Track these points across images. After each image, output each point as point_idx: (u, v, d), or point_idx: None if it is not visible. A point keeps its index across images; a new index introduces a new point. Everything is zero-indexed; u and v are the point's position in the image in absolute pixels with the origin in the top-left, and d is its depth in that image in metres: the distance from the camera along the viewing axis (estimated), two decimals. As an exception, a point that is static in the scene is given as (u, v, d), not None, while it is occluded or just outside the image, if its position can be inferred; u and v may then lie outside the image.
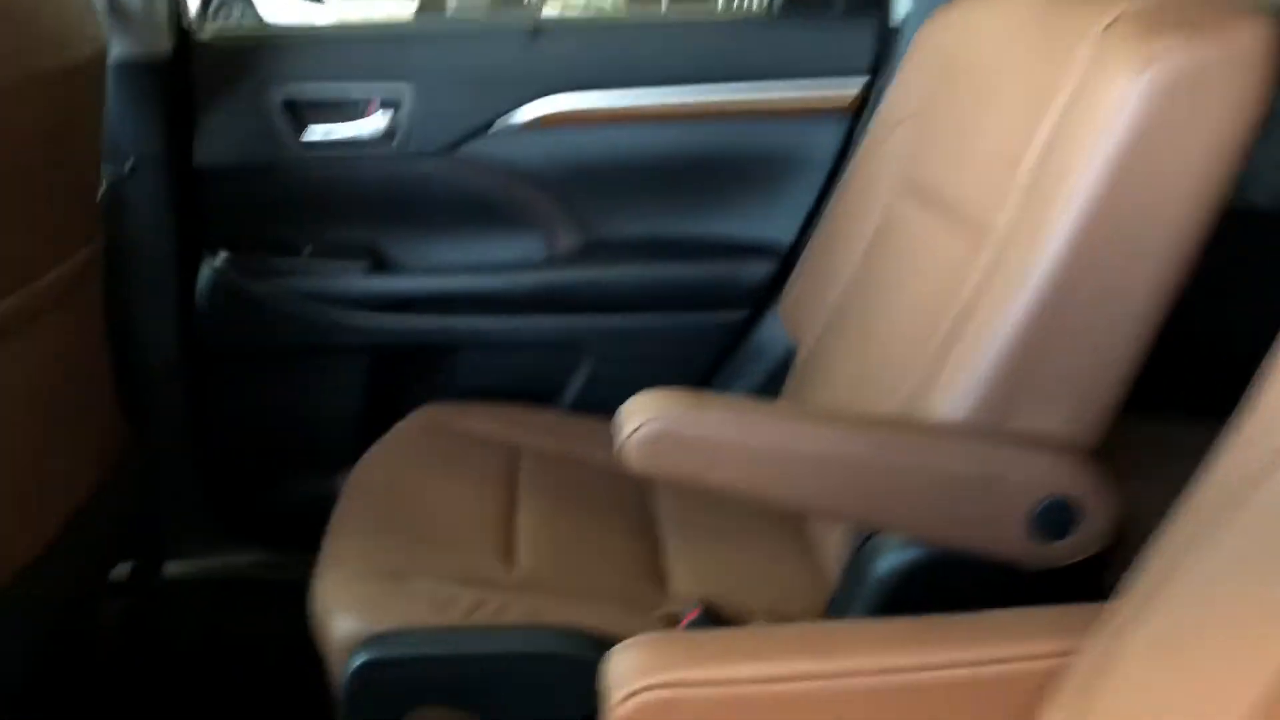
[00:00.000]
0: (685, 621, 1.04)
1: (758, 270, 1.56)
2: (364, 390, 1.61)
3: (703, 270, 1.57)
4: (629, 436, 0.90)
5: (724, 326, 1.57)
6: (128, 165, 1.46)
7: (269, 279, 1.54)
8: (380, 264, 1.59)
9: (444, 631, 1.01)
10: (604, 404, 1.66)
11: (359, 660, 0.99)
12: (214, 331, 1.55)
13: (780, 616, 1.08)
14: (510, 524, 1.22)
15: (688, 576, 1.16)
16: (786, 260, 1.54)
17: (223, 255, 1.53)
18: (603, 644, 1.01)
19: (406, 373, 1.63)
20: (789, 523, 1.25)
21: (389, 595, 1.07)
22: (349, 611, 1.05)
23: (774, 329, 1.52)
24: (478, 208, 1.59)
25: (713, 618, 1.05)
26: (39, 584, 1.18)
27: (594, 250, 1.59)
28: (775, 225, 1.57)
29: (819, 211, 1.51)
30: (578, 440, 1.45)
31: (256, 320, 1.54)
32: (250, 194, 1.56)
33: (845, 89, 1.52)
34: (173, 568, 1.64)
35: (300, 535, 1.62)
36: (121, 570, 1.60)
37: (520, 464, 1.37)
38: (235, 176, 1.55)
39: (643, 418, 0.89)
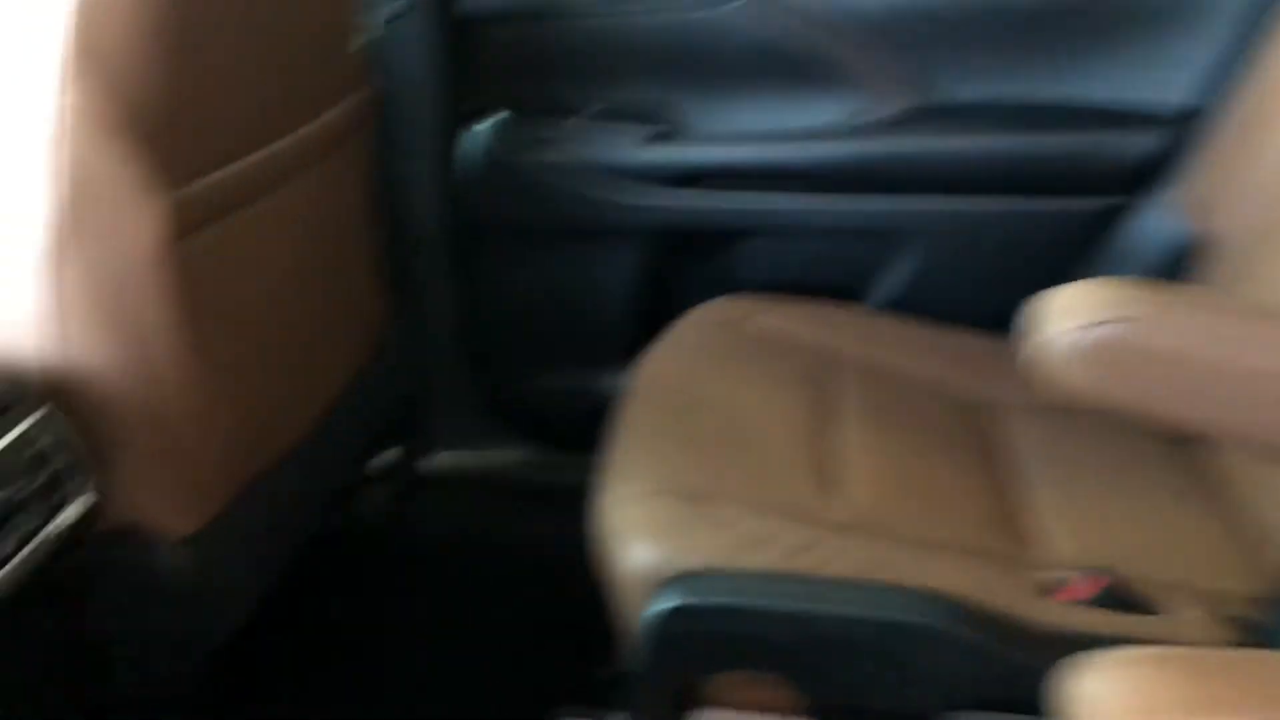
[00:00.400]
0: (1086, 593, 0.79)
1: (1140, 144, 1.23)
2: (643, 278, 1.41)
3: (1067, 143, 1.25)
4: (1064, 341, 0.63)
5: (1089, 215, 1.25)
6: (392, 10, 1.29)
7: (541, 146, 1.35)
8: (667, 132, 1.36)
9: (773, 579, 0.80)
10: (927, 306, 1.41)
11: (669, 603, 0.79)
12: (478, 203, 1.39)
13: (1211, 600, 0.80)
14: (825, 445, 0.99)
15: (1065, 534, 0.90)
16: (1180, 132, 1.20)
17: (491, 117, 1.35)
18: (977, 617, 0.78)
19: (693, 259, 1.41)
20: (1200, 477, 0.95)
21: (693, 523, 0.87)
22: (649, 538, 0.86)
23: (1158, 220, 1.19)
24: (784, 63, 1.33)
25: (1120, 595, 0.79)
26: (305, 467, 1.07)
27: (925, 116, 1.30)
28: (1166, 86, 1.23)
29: (1233, 69, 1.15)
30: (901, 348, 1.20)
31: (526, 192, 1.36)
32: (522, 47, 1.37)
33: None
34: (435, 460, 1.52)
35: (569, 434, 1.48)
36: (383, 459, 1.51)
37: (832, 373, 1.13)
38: (506, 25, 1.36)
39: (1092, 316, 0.63)
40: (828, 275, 1.38)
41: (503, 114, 1.37)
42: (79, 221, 0.81)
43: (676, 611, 0.79)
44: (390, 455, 1.51)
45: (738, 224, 1.36)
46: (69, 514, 0.78)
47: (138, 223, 0.82)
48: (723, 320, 1.24)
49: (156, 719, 0.98)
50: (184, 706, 1.03)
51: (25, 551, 0.73)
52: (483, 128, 1.36)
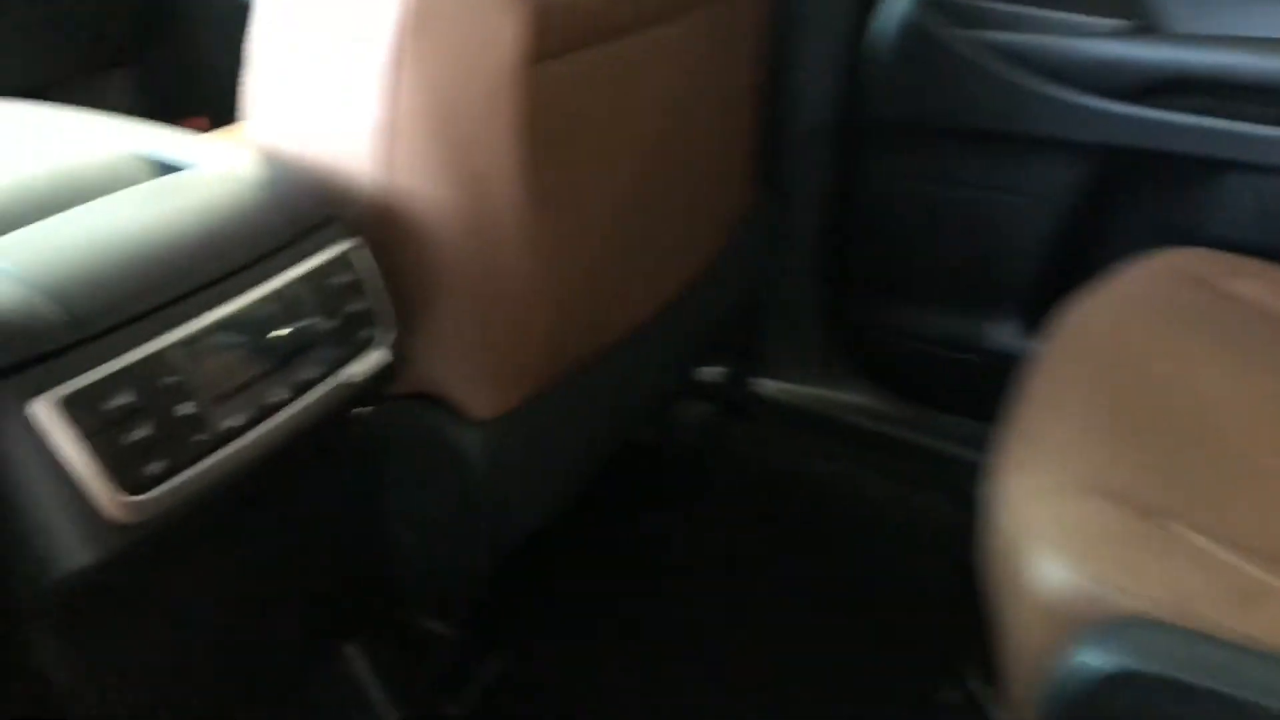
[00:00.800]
0: None
1: None
2: (1073, 210, 1.12)
3: None
4: None
5: None
6: None
7: (974, 28, 1.09)
8: (1141, 27, 1.05)
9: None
10: None
11: (1105, 659, 0.55)
12: (883, 89, 1.14)
13: None
14: None
15: None
16: None
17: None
18: None
19: (1143, 194, 1.11)
20: None
21: (1143, 544, 0.62)
22: (1072, 552, 0.61)
23: None
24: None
25: None
26: (633, 362, 0.91)
27: None
28: None
29: None
30: None
31: (945, 81, 1.11)
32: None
33: None
34: (765, 386, 1.33)
35: (937, 389, 1.24)
36: (708, 372, 1.34)
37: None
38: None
39: None
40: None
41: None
42: (425, 19, 0.66)
43: (1116, 677, 0.54)
44: (716, 370, 1.34)
45: (1214, 153, 1.04)
46: (363, 365, 0.65)
47: (492, 30, 0.66)
48: (1182, 276, 0.94)
49: (428, 624, 0.87)
50: (461, 613, 0.91)
51: (307, 399, 0.60)
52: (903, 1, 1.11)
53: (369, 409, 0.71)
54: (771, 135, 1.16)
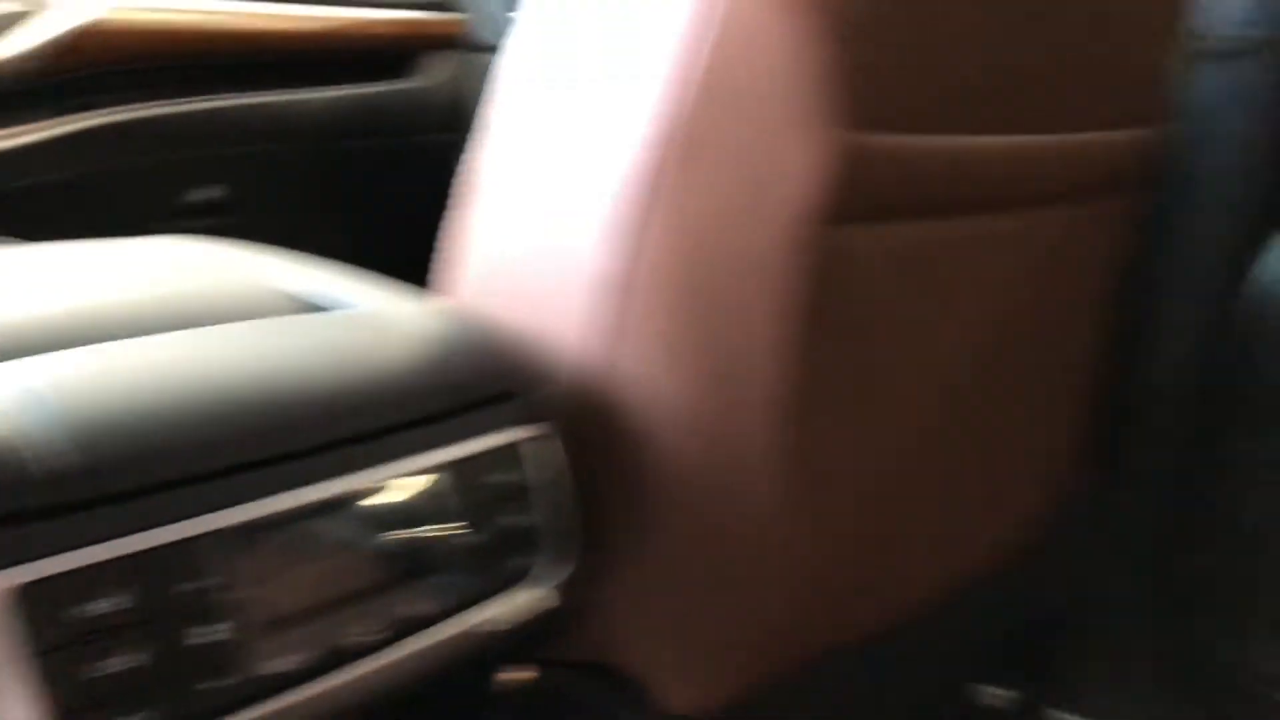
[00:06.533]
0: None
1: None
2: None
3: None
4: None
5: None
6: (1225, 38, 0.85)
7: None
8: None
9: None
10: None
11: None
12: (1266, 356, 0.87)
13: None
14: None
15: None
16: None
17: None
18: None
19: None
20: None
21: None
22: None
23: None
24: None
25: None
26: (896, 660, 0.65)
27: None
28: None
29: None
30: None
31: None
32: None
33: None
34: (1063, 718, 1.01)
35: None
36: (988, 695, 1.03)
37: None
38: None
39: None
40: None
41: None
42: (700, 142, 0.48)
43: None
44: (1000, 694, 1.03)
45: None
46: (509, 606, 0.43)
47: (788, 160, 0.47)
48: None
49: None
50: None
51: (412, 644, 0.39)
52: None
53: (515, 676, 0.48)
54: (1110, 397, 0.90)
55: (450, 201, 0.57)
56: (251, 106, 1.06)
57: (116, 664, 0.32)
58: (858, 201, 0.50)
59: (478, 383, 0.45)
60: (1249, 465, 0.91)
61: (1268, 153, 0.87)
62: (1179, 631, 0.97)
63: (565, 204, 0.52)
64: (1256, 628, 0.93)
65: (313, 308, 0.49)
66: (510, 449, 0.44)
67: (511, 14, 0.76)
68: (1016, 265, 0.65)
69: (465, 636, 0.42)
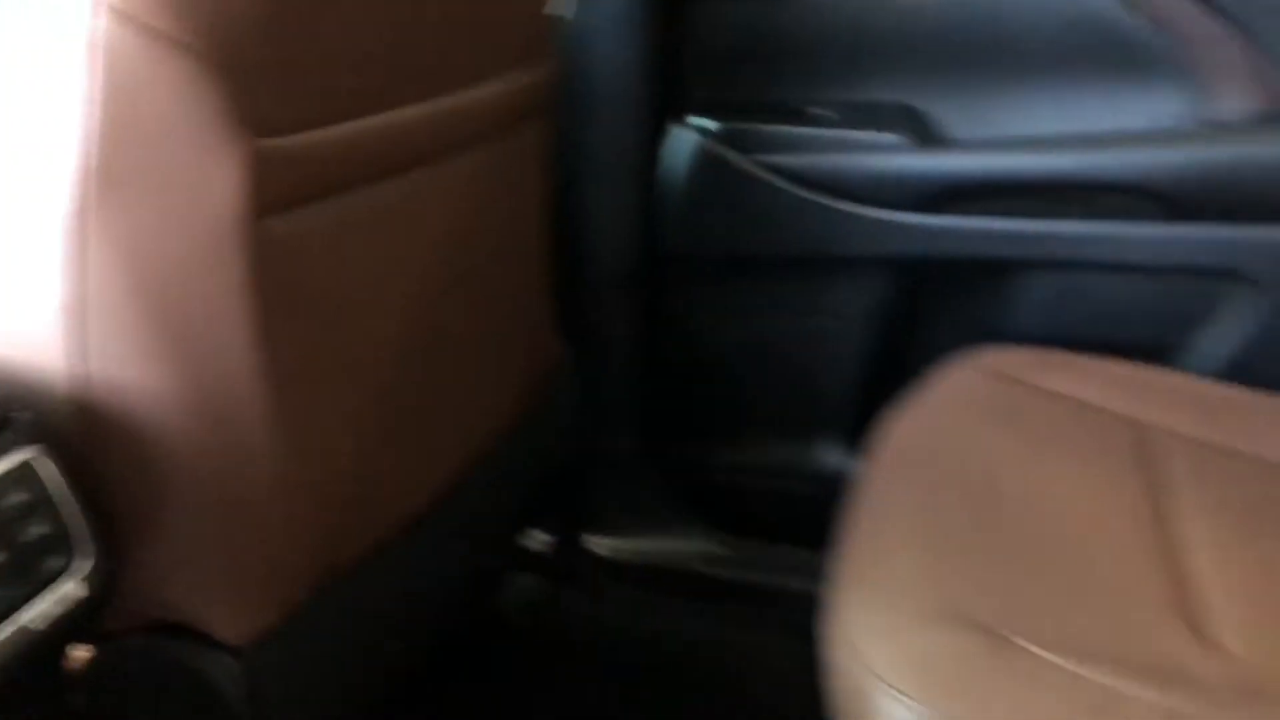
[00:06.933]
0: None
1: None
2: (883, 325, 1.09)
3: None
4: None
5: None
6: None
7: (762, 154, 1.07)
8: (924, 137, 1.05)
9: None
10: (1268, 373, 1.05)
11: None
12: (679, 224, 1.10)
13: None
14: (1169, 561, 0.66)
15: None
16: None
17: (702, 119, 1.08)
18: None
19: (947, 301, 1.09)
20: None
21: (993, 673, 0.56)
22: (922, 689, 0.55)
23: None
24: (1080, 47, 1.01)
25: None
26: (426, 549, 0.80)
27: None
28: None
29: None
30: (1248, 427, 0.85)
31: (742, 211, 1.07)
32: (743, 28, 1.10)
33: None
34: (597, 545, 1.23)
35: (776, 523, 1.17)
36: (534, 540, 1.23)
37: (1157, 457, 0.79)
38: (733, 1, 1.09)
39: None
40: (1129, 326, 1.03)
41: (716, 117, 1.09)
42: (112, 172, 0.56)
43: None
44: (542, 537, 1.23)
45: (1012, 255, 1.03)
46: (48, 604, 0.51)
47: (206, 177, 0.57)
48: (992, 376, 0.90)
49: None
50: None
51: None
52: (691, 130, 1.08)
53: (88, 653, 0.57)
54: (568, 276, 1.09)
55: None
56: None
57: None
58: (277, 196, 0.61)
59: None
60: (691, 315, 1.16)
61: (651, 56, 1.08)
62: (673, 454, 1.22)
63: (15, 232, 0.58)
64: (726, 436, 1.20)
65: None
66: (21, 469, 0.52)
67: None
68: (446, 209, 0.79)
69: (19, 635, 0.50)
